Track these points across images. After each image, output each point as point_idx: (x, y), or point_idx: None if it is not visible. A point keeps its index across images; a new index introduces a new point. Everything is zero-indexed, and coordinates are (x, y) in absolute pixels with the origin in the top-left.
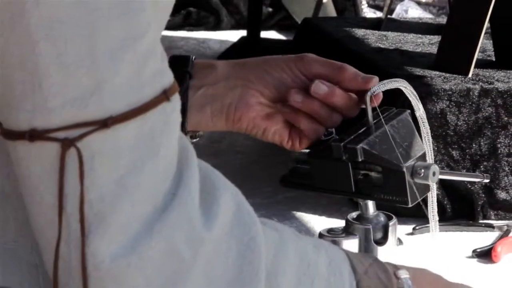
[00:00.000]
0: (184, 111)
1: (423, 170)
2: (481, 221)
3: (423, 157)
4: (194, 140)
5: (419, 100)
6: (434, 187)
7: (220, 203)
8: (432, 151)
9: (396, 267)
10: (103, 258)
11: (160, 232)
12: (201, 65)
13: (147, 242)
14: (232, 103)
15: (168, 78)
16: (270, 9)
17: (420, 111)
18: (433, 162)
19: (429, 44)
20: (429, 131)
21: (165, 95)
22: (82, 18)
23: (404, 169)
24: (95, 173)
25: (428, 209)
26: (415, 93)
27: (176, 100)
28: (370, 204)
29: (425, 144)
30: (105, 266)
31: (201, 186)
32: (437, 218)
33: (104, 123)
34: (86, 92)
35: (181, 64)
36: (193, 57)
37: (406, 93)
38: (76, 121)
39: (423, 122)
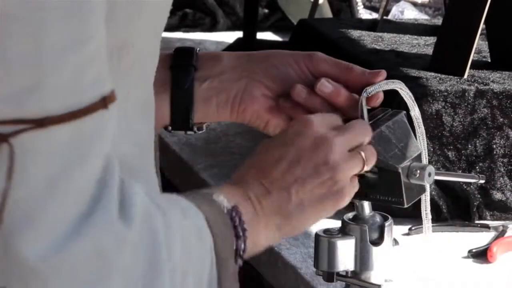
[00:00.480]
0: (190, 104)
1: (418, 171)
2: (476, 222)
3: (418, 157)
4: (201, 131)
5: (414, 101)
6: (427, 188)
7: (134, 203)
8: (426, 152)
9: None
10: (27, 256)
11: (87, 234)
12: (206, 57)
13: (74, 243)
14: (237, 95)
15: (108, 85)
16: (266, 10)
17: (415, 112)
18: (428, 162)
19: (424, 45)
20: (424, 131)
21: (103, 102)
22: (30, 16)
23: (400, 170)
24: (26, 171)
25: (422, 209)
26: (410, 94)
27: (113, 109)
28: (366, 205)
29: (420, 145)
30: (29, 265)
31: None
32: (430, 217)
33: (41, 123)
34: (26, 89)
35: (185, 56)
36: (198, 49)
37: (402, 94)
38: (13, 117)
39: (418, 123)
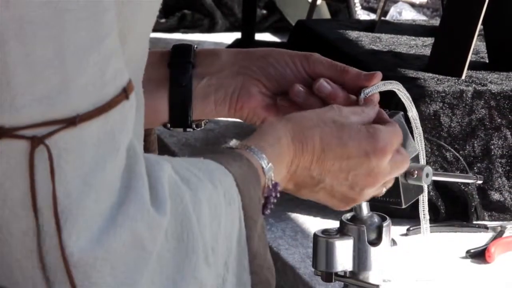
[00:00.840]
0: (188, 101)
1: (416, 172)
2: (474, 222)
3: (416, 158)
4: (199, 128)
5: (412, 102)
6: (425, 189)
7: (163, 182)
8: (424, 152)
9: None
10: (71, 251)
11: (123, 225)
12: (204, 54)
13: (112, 235)
14: (234, 92)
15: (126, 76)
16: (264, 11)
17: (413, 113)
18: (426, 163)
19: (422, 46)
20: (421, 132)
21: (125, 94)
22: (51, 19)
23: None
24: (62, 170)
25: (420, 210)
26: (408, 95)
27: (133, 98)
28: (364, 206)
29: (418, 145)
30: (73, 260)
31: None
32: (428, 218)
33: (72, 121)
34: (54, 90)
35: (183, 53)
36: (195, 46)
37: (400, 95)
38: (44, 119)
39: (415, 124)
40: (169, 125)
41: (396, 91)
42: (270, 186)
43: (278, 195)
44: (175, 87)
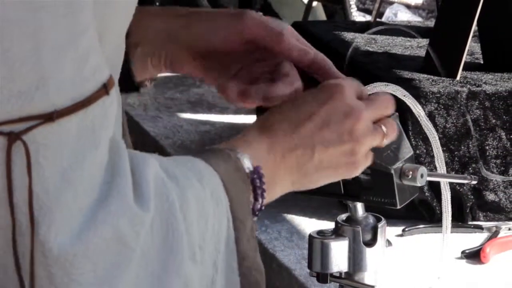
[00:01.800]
0: (129, 69)
1: (411, 172)
2: (470, 223)
3: (411, 159)
4: (145, 87)
5: (414, 99)
6: (447, 188)
7: (148, 179)
8: (438, 140)
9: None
10: (50, 247)
11: (104, 221)
12: (136, 22)
13: (92, 231)
14: (167, 58)
15: (106, 72)
16: (260, 13)
17: (418, 110)
18: (421, 164)
19: (417, 47)
20: (432, 127)
21: (105, 89)
22: (28, 17)
23: (392, 171)
24: (40, 166)
25: (442, 208)
26: (407, 93)
27: (113, 94)
28: (359, 206)
29: (431, 137)
30: (53, 255)
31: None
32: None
33: (49, 117)
34: (31, 86)
35: None
36: None
37: (399, 96)
38: (22, 115)
39: (422, 120)
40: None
41: (392, 92)
42: (258, 184)
43: (265, 194)
44: None
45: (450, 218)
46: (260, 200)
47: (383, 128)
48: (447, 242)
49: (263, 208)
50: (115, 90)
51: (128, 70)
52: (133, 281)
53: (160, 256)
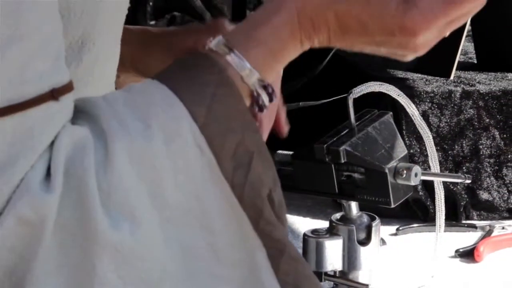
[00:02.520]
0: None
1: (405, 171)
2: (463, 222)
3: (405, 158)
4: None
5: (408, 98)
6: (441, 187)
7: (56, 156)
8: (432, 139)
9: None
10: None
11: (9, 211)
12: None
13: (1, 221)
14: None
15: (61, 78)
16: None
17: (413, 110)
18: (415, 163)
19: None
20: (426, 127)
21: (51, 94)
22: None
23: (387, 170)
24: None
25: (436, 208)
26: (401, 92)
27: (66, 100)
28: (353, 205)
29: (425, 137)
30: None
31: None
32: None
33: None
34: None
35: None
36: None
37: (393, 96)
38: None
39: (415, 119)
40: None
41: (386, 92)
42: (256, 93)
43: (274, 97)
44: None
45: (443, 217)
46: (262, 96)
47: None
48: (440, 240)
49: (272, 97)
50: (72, 97)
51: None
52: (55, 256)
53: (77, 227)
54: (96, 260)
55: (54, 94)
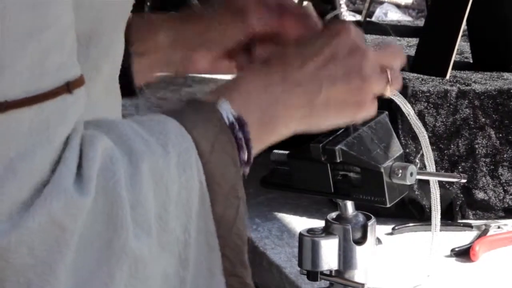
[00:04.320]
0: (130, 76)
1: (400, 171)
2: (459, 221)
3: (400, 157)
4: (139, 90)
5: (404, 99)
6: (436, 186)
7: (90, 161)
8: (428, 141)
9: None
10: None
11: (39, 208)
12: (139, 27)
13: (26, 217)
14: (176, 64)
15: (74, 71)
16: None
17: (409, 110)
18: (410, 162)
19: (407, 46)
20: (421, 126)
21: (66, 87)
22: None
23: (382, 170)
24: None
25: (432, 209)
26: (397, 92)
27: (79, 93)
28: (349, 205)
29: (419, 134)
30: None
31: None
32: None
33: None
34: None
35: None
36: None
37: (390, 96)
38: None
39: (411, 119)
40: None
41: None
42: (240, 135)
43: (250, 143)
44: None
45: (439, 216)
46: (244, 150)
47: (388, 74)
48: (436, 240)
49: (251, 158)
50: (106, 88)
51: (127, 76)
52: (76, 261)
53: (105, 235)
54: (116, 268)
55: (69, 87)
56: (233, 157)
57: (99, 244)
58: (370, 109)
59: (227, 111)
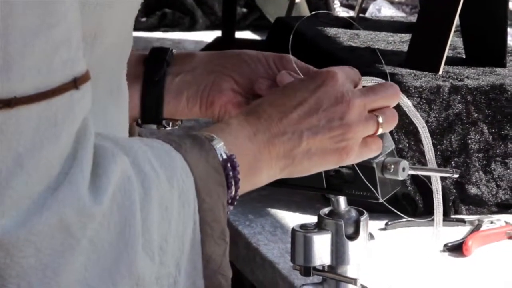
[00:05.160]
0: (160, 96)
1: (393, 166)
2: (452, 216)
3: (392, 153)
4: (174, 127)
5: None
6: (439, 181)
7: (109, 174)
8: (427, 132)
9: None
10: None
11: (50, 209)
12: (180, 54)
13: (37, 216)
14: (206, 87)
15: (80, 67)
16: (245, 10)
17: (407, 104)
18: (403, 158)
19: (400, 42)
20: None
21: (74, 83)
22: (0, 1)
23: (374, 165)
24: None
25: (434, 205)
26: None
27: (85, 89)
28: (342, 200)
29: (419, 126)
30: None
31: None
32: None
33: (8, 103)
34: None
35: (160, 53)
36: (172, 49)
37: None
38: None
39: (410, 111)
40: (139, 121)
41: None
42: (230, 174)
43: (239, 183)
44: (147, 82)
45: (442, 210)
46: (233, 189)
47: (379, 118)
48: (439, 235)
49: (237, 197)
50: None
51: (158, 102)
52: (80, 271)
53: (113, 251)
54: (120, 286)
55: (76, 83)
56: (223, 201)
57: (106, 259)
58: (357, 153)
59: (221, 150)
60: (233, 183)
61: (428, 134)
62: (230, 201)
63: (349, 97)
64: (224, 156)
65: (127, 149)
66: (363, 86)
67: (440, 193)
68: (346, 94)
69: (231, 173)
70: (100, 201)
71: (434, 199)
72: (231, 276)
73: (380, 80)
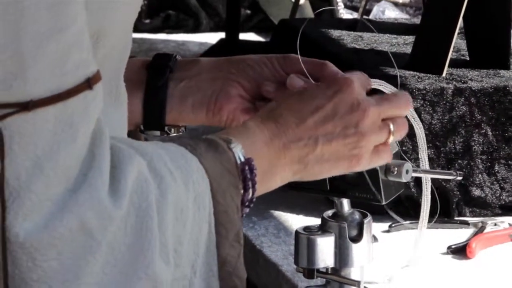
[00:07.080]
0: (163, 102)
1: (396, 168)
2: (456, 218)
3: (396, 155)
4: (174, 134)
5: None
6: (429, 183)
7: (127, 176)
8: (423, 132)
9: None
10: (16, 233)
11: (72, 212)
12: (184, 61)
13: (59, 220)
14: (213, 94)
15: (92, 67)
16: (248, 12)
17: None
18: (405, 159)
19: (404, 44)
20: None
21: (87, 84)
22: (11, 5)
23: (378, 168)
24: (13, 152)
25: (422, 205)
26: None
27: (98, 88)
28: (345, 202)
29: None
30: (19, 241)
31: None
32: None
33: (25, 106)
34: (10, 74)
35: (163, 59)
36: (176, 55)
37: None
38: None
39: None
40: (142, 127)
41: (378, 87)
42: (248, 176)
43: (256, 186)
44: (150, 87)
45: (428, 212)
46: (250, 191)
47: (391, 126)
48: (423, 236)
49: (254, 200)
50: (116, 86)
51: (160, 108)
52: (99, 274)
53: (130, 253)
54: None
55: (90, 83)
56: (237, 203)
57: (123, 261)
58: (369, 160)
59: (239, 153)
60: (250, 185)
61: (424, 135)
62: (247, 204)
63: (365, 105)
64: (242, 159)
65: (143, 152)
66: (372, 89)
67: (429, 196)
68: (362, 103)
69: (248, 175)
70: (120, 204)
71: (422, 202)
72: (245, 278)
73: (388, 84)
